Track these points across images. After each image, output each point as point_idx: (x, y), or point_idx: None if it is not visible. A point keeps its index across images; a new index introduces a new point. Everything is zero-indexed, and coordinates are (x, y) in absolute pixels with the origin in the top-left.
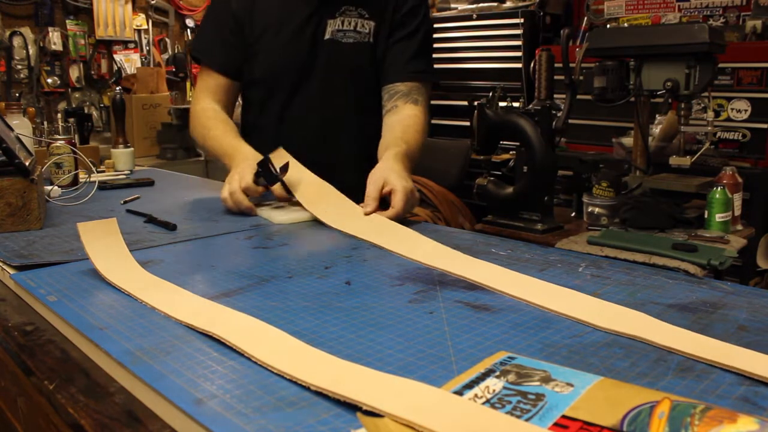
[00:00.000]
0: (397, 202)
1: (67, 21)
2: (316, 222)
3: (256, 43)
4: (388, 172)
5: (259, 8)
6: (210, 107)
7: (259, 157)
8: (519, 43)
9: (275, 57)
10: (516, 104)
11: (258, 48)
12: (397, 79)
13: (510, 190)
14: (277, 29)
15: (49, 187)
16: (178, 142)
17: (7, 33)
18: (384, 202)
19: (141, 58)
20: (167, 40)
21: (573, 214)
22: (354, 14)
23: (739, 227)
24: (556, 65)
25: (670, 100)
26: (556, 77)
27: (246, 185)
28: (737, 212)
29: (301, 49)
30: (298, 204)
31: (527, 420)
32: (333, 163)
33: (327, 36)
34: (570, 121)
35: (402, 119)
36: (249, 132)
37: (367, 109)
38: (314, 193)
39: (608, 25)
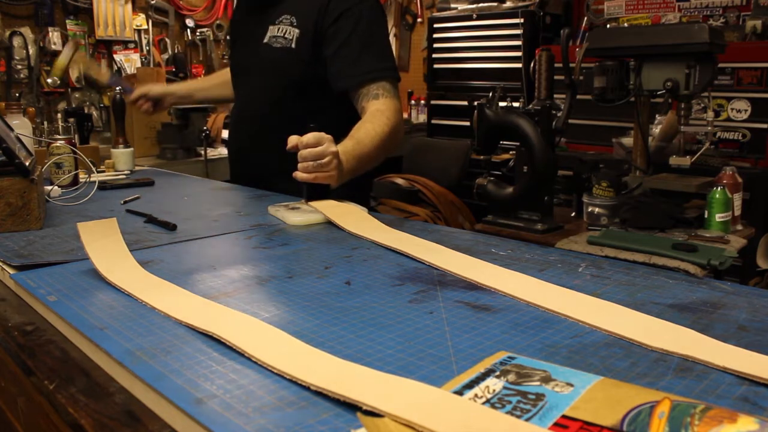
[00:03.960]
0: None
1: (67, 21)
2: (322, 223)
3: (229, 40)
4: None
5: (237, 15)
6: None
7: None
8: (519, 43)
9: (233, 55)
10: (516, 104)
11: (230, 43)
12: (352, 86)
13: (510, 190)
14: (236, 29)
15: (49, 187)
16: (178, 142)
17: (7, 33)
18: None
19: (141, 58)
20: (167, 40)
21: (573, 214)
22: (287, 22)
23: (739, 227)
24: (556, 65)
25: (670, 100)
26: (556, 77)
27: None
28: (737, 212)
29: (245, 52)
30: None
31: (527, 420)
32: (264, 163)
33: (265, 40)
34: (570, 121)
35: (363, 119)
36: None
37: (299, 108)
38: (334, 205)
39: (608, 25)
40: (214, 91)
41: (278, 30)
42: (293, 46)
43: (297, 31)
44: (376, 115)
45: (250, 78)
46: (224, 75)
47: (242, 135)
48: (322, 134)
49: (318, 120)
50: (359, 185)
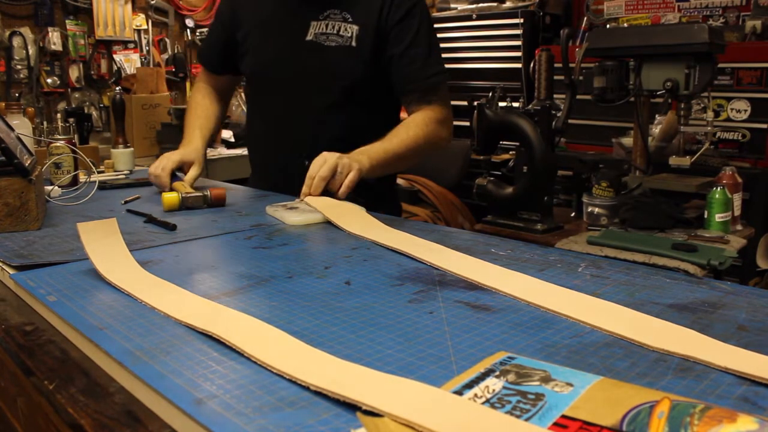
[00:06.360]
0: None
1: (66, 21)
2: (322, 223)
3: (244, 42)
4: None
5: (243, 8)
6: (204, 86)
7: (191, 154)
8: (519, 43)
9: (259, 56)
10: (516, 104)
11: (247, 46)
12: (416, 89)
13: (510, 190)
14: (260, 28)
15: (49, 187)
16: (178, 142)
17: (7, 33)
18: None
19: (141, 58)
20: (167, 40)
21: (573, 214)
22: (338, 18)
23: (739, 227)
24: (556, 65)
25: (669, 100)
26: (556, 77)
27: (158, 174)
28: (737, 212)
29: (282, 49)
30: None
31: (527, 420)
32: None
33: (309, 37)
34: (570, 121)
35: (406, 121)
36: (248, 128)
37: (350, 112)
38: (332, 204)
39: (608, 25)
40: (215, 123)
41: (327, 26)
42: (353, 44)
43: (355, 27)
44: (420, 119)
45: (288, 81)
46: (206, 107)
47: (290, 140)
48: (319, 155)
49: (359, 124)
50: (384, 189)
